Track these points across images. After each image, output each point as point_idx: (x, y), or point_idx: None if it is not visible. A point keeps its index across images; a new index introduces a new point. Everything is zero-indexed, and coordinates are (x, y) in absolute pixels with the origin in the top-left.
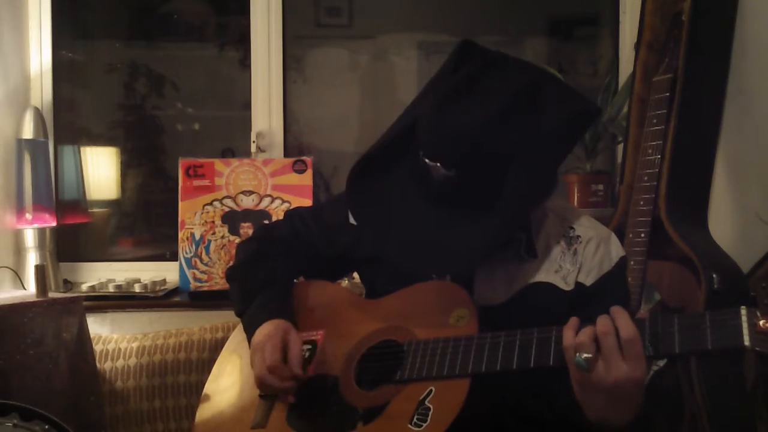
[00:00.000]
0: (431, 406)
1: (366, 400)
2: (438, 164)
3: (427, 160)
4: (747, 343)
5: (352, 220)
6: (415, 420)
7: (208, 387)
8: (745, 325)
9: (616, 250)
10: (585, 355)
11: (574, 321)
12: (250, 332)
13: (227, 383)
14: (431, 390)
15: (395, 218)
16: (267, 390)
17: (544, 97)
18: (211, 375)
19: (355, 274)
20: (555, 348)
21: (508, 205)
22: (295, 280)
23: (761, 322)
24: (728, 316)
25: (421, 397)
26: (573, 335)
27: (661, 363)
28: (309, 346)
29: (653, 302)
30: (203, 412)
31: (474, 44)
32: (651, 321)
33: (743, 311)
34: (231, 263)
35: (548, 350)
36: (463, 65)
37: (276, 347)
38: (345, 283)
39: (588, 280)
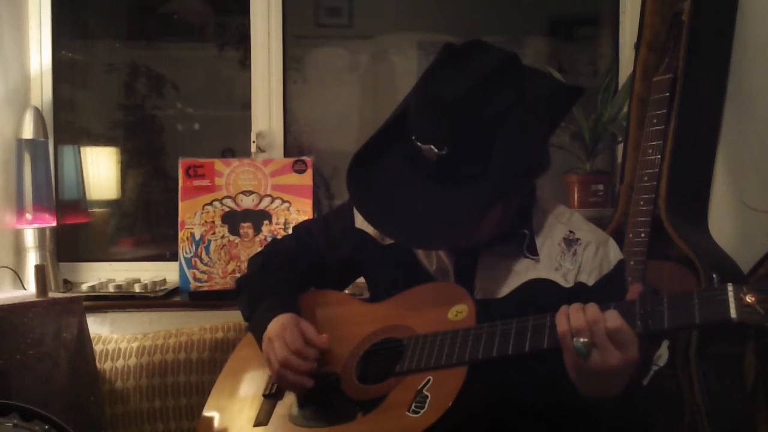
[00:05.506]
0: (429, 394)
1: (366, 394)
2: (431, 146)
3: (419, 144)
4: (734, 315)
5: (357, 224)
6: (413, 407)
7: (214, 391)
8: (731, 299)
9: (614, 254)
10: (582, 339)
11: (565, 308)
12: (259, 332)
13: (233, 387)
14: (429, 379)
15: (395, 201)
16: (288, 376)
17: (527, 72)
18: (217, 380)
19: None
20: (549, 332)
21: (497, 171)
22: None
23: (747, 296)
24: (716, 292)
25: (419, 387)
26: (567, 321)
27: (662, 363)
28: None
29: None
30: (207, 413)
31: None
32: (641, 301)
33: (730, 287)
34: (240, 275)
35: (542, 335)
36: None
37: (295, 333)
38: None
39: (590, 281)
